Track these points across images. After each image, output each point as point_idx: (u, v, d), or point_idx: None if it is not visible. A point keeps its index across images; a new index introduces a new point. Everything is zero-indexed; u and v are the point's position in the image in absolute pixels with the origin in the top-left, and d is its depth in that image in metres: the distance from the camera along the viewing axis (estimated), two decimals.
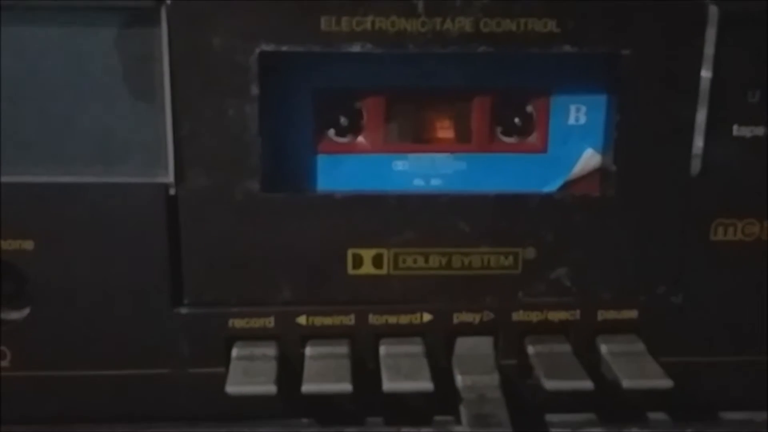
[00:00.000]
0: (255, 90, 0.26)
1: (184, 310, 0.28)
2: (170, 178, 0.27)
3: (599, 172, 0.28)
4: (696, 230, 0.28)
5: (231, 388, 0.26)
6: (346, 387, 0.26)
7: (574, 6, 0.25)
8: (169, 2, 0.25)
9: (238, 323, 0.28)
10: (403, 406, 0.29)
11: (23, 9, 0.25)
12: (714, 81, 0.26)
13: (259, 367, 0.27)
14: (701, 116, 0.27)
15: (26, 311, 0.28)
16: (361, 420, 0.29)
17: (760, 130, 0.27)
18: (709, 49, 0.26)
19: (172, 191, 0.27)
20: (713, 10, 0.26)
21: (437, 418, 0.29)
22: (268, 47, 0.25)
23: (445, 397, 0.28)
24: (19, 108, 0.26)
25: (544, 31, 0.26)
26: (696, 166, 0.27)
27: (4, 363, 0.28)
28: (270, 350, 0.28)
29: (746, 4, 0.26)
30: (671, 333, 0.29)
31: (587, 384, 0.26)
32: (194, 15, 0.25)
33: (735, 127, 0.27)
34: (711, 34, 0.26)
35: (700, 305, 0.29)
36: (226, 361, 0.28)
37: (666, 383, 0.26)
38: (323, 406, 0.29)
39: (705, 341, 0.29)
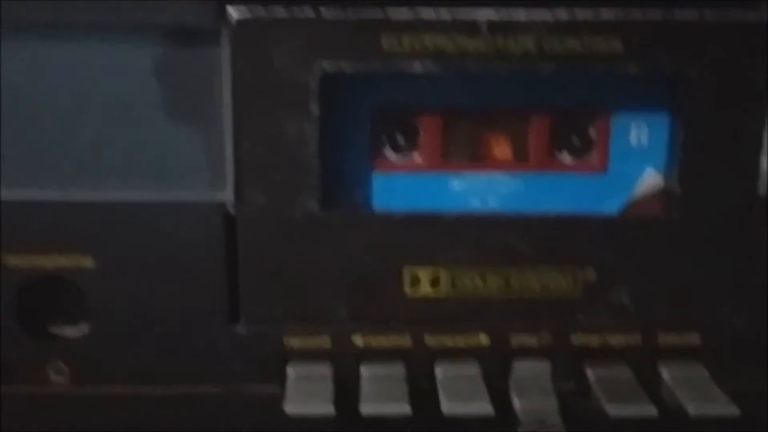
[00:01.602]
0: (315, 109, 0.26)
1: (240, 329, 0.28)
2: (229, 196, 0.27)
3: (662, 193, 0.28)
4: (762, 252, 0.27)
5: (290, 408, 0.26)
6: (405, 408, 0.26)
7: (639, 25, 0.25)
8: (231, 21, 0.25)
9: (293, 342, 0.28)
10: (457, 428, 0.29)
11: (89, 29, 0.25)
12: None
13: (316, 387, 0.27)
14: None
15: (85, 328, 0.28)
16: None
17: None
18: None
19: (231, 210, 0.27)
20: None
21: None
22: (328, 67, 0.25)
23: (500, 420, 0.27)
24: (81, 127, 0.26)
25: (609, 50, 0.25)
26: (763, 186, 0.27)
27: (63, 379, 0.28)
28: (326, 370, 0.27)
29: None
30: (735, 358, 0.28)
31: (651, 410, 0.26)
32: (256, 35, 0.25)
33: None
34: None
35: (765, 330, 0.28)
36: (281, 379, 0.28)
37: (733, 410, 0.26)
38: (376, 426, 0.28)
39: None
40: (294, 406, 0.26)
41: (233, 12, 0.25)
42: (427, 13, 0.25)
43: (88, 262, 0.27)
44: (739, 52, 0.26)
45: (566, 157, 0.28)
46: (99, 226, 0.27)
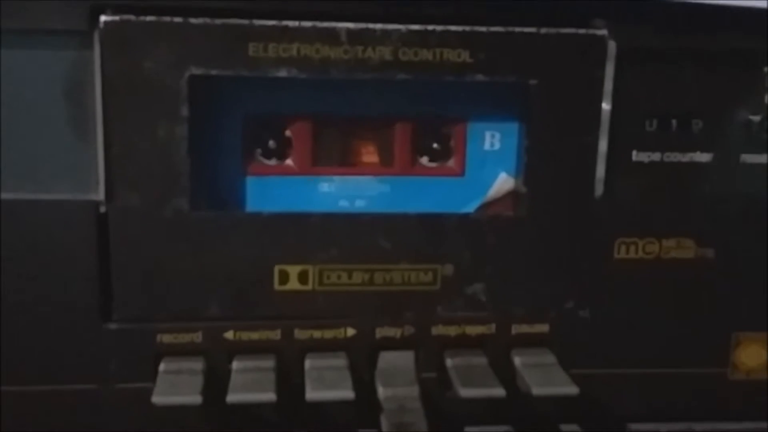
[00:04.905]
0: (185, 112, 0.27)
1: (113, 326, 0.28)
2: (101, 196, 0.27)
3: (513, 194, 0.30)
4: (600, 249, 0.30)
5: (157, 399, 0.26)
6: (270, 396, 0.27)
7: (485, 37, 0.27)
8: (101, 26, 0.26)
9: (166, 338, 0.29)
10: (328, 420, 0.30)
11: None
12: (613, 111, 0.29)
13: (186, 379, 0.27)
14: (603, 143, 0.29)
15: None
16: None
17: (656, 156, 0.29)
18: (608, 81, 0.28)
19: (102, 209, 0.27)
20: (612, 45, 0.28)
21: (361, 431, 0.30)
22: (197, 71, 0.27)
23: (369, 411, 0.29)
24: None
25: (458, 60, 0.28)
26: (599, 189, 0.29)
27: None
28: (197, 365, 0.28)
29: (642, 40, 0.28)
30: (580, 345, 0.30)
31: (499, 391, 0.28)
32: (126, 39, 0.26)
33: (634, 153, 0.29)
34: (610, 67, 0.28)
35: (606, 319, 0.30)
36: (155, 376, 0.28)
37: (572, 390, 0.28)
38: (249, 421, 0.29)
39: (612, 354, 0.31)
40: (161, 397, 0.26)
41: (103, 17, 0.26)
42: (291, 22, 0.27)
43: None
44: (576, 64, 0.28)
45: (428, 162, 0.31)
46: None
